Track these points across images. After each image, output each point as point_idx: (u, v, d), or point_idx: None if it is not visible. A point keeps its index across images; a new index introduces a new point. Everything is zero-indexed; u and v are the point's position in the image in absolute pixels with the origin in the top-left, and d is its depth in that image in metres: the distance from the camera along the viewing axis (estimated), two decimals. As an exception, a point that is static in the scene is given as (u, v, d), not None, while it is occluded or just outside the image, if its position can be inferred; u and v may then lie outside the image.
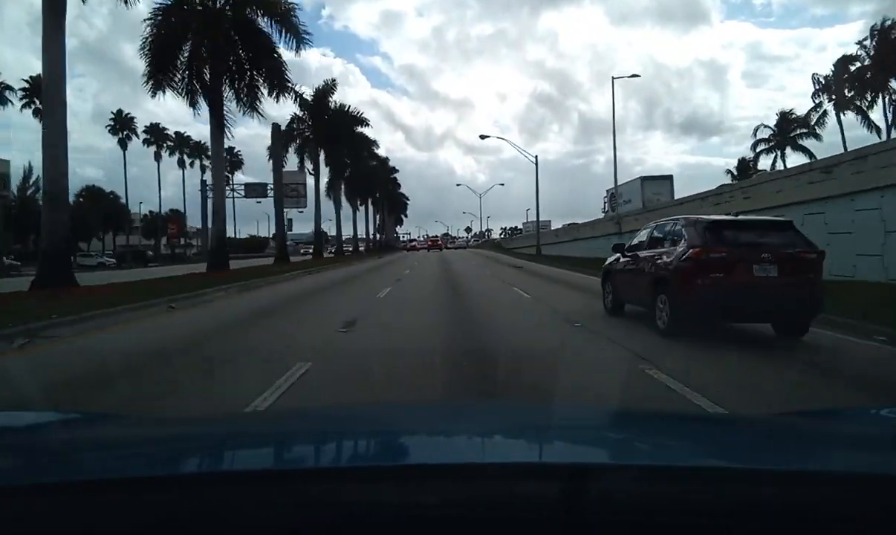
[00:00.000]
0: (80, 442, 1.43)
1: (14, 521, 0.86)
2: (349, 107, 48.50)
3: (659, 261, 8.87)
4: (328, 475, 1.06)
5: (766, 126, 49.81)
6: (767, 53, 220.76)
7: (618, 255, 10.86)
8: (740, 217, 10.09)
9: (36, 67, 55.09)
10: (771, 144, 49.76)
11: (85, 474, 1.13)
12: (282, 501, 0.89)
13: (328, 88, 46.02)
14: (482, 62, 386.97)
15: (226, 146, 22.83)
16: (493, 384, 5.41)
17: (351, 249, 70.23)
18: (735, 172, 52.56)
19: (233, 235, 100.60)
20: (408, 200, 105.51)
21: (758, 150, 46.95)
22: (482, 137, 60.04)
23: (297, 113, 44.40)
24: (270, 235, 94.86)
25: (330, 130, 45.38)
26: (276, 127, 40.30)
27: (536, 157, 44.28)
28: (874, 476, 1.04)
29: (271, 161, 41.95)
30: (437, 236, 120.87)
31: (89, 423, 1.73)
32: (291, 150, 45.69)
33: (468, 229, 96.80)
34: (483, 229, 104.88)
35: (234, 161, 73.81)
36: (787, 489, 0.95)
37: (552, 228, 67.26)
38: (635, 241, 10.51)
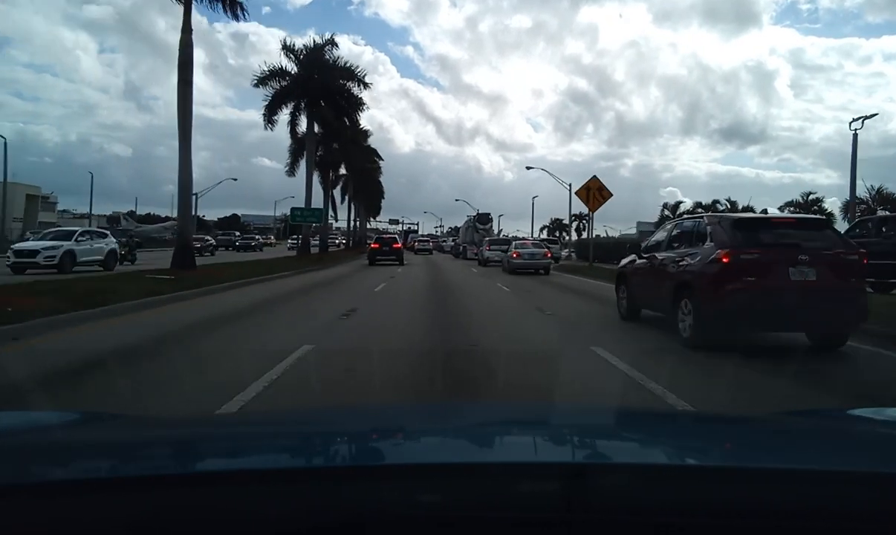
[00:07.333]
0: (79, 442, 1.41)
1: (14, 521, 0.86)
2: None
3: (682, 263, 8.13)
4: (327, 474, 1.05)
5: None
6: (809, 63, 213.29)
7: (633, 256, 10.13)
8: (770, 215, 9.38)
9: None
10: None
11: (84, 473, 1.12)
12: (281, 501, 0.89)
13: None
14: (517, 56, 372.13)
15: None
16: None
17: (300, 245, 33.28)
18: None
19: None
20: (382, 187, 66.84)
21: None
22: (528, 167, 47.71)
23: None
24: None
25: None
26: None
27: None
28: (874, 475, 1.04)
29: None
30: (391, 232, 56.56)
31: (89, 423, 1.71)
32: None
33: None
34: (549, 224, 58.17)
35: None
36: (787, 487, 0.95)
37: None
38: (652, 240, 9.79)
